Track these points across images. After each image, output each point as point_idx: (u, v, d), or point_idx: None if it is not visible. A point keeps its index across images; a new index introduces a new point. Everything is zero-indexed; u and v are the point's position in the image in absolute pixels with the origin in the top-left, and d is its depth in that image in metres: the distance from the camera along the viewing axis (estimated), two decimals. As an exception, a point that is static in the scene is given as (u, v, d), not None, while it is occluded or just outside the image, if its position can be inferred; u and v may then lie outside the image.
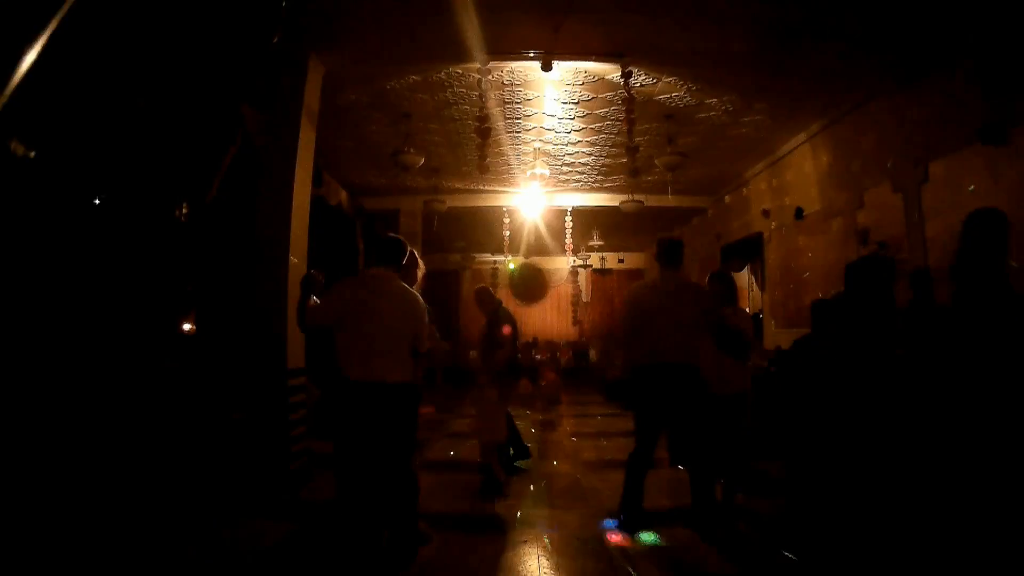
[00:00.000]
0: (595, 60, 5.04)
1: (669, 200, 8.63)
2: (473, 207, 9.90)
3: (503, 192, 9.46)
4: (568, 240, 10.19)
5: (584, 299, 14.58)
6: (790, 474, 3.74)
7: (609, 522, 3.52)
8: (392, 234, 3.29)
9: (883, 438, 3.31)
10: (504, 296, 13.92)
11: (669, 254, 3.53)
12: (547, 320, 14.76)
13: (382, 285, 3.00)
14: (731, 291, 3.85)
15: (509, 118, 6.47)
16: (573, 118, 6.47)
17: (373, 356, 2.84)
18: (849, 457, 2.85)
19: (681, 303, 3.33)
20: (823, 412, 3.53)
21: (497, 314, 4.90)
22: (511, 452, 4.81)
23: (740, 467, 3.67)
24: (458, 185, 9.15)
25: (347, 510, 2.86)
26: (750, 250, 8.76)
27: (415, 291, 3.18)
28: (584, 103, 6.04)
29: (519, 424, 5.36)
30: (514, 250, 11.55)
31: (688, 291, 3.41)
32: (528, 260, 13.40)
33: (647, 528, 3.34)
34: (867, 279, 3.85)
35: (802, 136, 7.02)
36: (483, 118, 5.51)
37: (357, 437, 2.84)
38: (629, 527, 3.35)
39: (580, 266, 13.17)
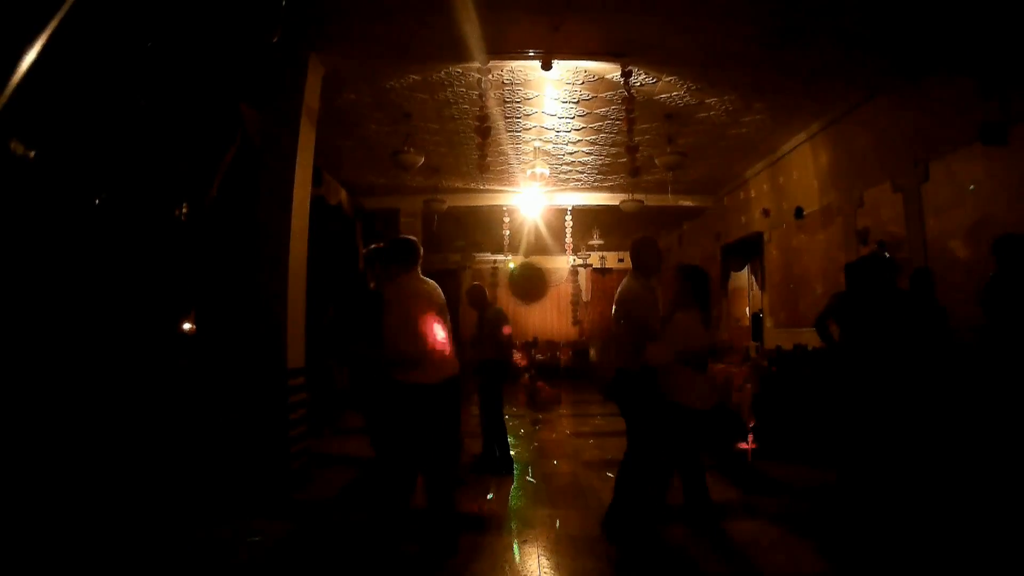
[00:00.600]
0: (595, 59, 5.04)
1: (669, 200, 8.65)
2: (473, 207, 9.90)
3: (503, 192, 9.46)
4: (568, 240, 10.19)
5: (584, 299, 14.57)
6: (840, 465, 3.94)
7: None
8: (402, 236, 3.34)
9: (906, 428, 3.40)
10: (504, 295, 14.03)
11: (634, 258, 3.45)
12: (547, 320, 14.76)
13: (416, 288, 3.14)
14: (697, 290, 3.39)
15: (509, 118, 6.47)
16: (573, 117, 6.48)
17: (438, 358, 3.05)
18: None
19: (628, 312, 3.26)
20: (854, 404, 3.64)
21: (488, 313, 4.91)
22: (497, 454, 4.80)
23: (663, 476, 3.49)
24: (458, 185, 9.15)
25: (396, 508, 2.99)
26: (750, 250, 8.76)
27: None
28: (584, 102, 6.04)
29: (516, 423, 5.35)
30: (514, 250, 11.55)
31: (630, 302, 3.29)
32: (528, 259, 13.41)
33: (647, 528, 3.33)
34: (867, 278, 3.87)
35: (802, 136, 7.02)
36: (483, 118, 5.51)
37: (428, 437, 3.01)
38: (629, 528, 3.35)
39: (580, 265, 13.16)
